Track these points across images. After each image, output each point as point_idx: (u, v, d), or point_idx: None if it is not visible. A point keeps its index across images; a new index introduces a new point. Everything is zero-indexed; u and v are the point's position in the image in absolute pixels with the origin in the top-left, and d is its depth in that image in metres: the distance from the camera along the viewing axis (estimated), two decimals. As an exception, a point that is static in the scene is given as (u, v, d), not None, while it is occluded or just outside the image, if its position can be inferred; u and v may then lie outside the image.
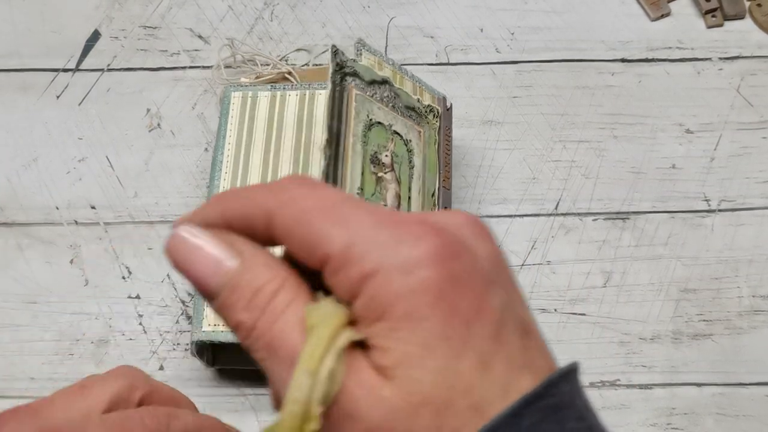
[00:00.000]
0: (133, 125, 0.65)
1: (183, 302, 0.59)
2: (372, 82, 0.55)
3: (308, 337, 0.23)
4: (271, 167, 0.57)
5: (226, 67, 0.65)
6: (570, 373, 0.23)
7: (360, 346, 0.23)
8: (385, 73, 0.56)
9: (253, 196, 0.25)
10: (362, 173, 0.53)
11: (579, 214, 0.61)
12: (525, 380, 0.22)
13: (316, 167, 0.57)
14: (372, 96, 0.55)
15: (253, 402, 0.56)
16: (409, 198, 0.55)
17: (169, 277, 0.60)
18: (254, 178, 0.57)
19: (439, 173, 0.58)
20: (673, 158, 0.63)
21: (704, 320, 0.58)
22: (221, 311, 0.25)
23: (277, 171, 0.57)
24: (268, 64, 0.65)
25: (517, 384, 0.22)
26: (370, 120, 0.54)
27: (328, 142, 0.50)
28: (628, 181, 0.62)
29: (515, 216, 0.62)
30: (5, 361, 0.58)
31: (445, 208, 0.57)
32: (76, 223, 0.62)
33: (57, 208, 0.62)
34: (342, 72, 0.53)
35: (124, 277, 0.60)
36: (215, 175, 0.58)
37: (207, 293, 0.25)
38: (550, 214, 0.62)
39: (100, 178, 0.63)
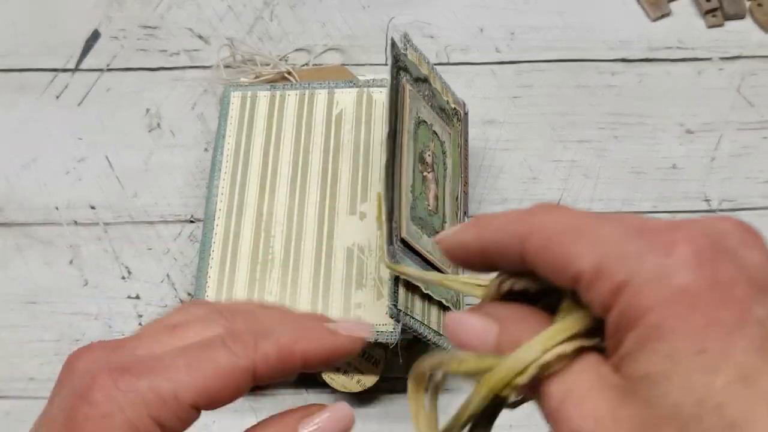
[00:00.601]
0: (132, 125, 0.65)
1: (182, 302, 0.59)
2: (417, 79, 0.54)
3: (550, 327, 0.25)
4: (270, 167, 0.57)
5: (226, 67, 0.65)
6: None
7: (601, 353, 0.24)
8: (424, 70, 0.55)
9: (505, 224, 0.27)
10: (413, 171, 0.51)
11: (579, 214, 0.61)
12: None
13: (316, 166, 0.57)
14: (418, 93, 0.54)
15: (252, 402, 0.56)
16: (444, 200, 0.55)
17: (168, 278, 0.60)
18: (254, 178, 0.57)
19: (462, 177, 0.57)
20: (673, 158, 0.63)
21: (705, 320, 0.58)
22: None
23: (276, 170, 0.57)
24: (267, 64, 0.65)
25: None
26: (419, 117, 0.53)
27: (389, 136, 0.49)
28: (629, 181, 0.62)
29: (515, 216, 0.61)
30: (5, 362, 0.57)
31: (465, 212, 0.57)
32: (76, 223, 0.62)
33: (56, 209, 0.62)
34: (397, 66, 0.52)
35: (123, 278, 0.60)
36: (215, 174, 0.58)
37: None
38: (550, 214, 0.61)
39: (99, 179, 0.63)
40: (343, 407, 0.35)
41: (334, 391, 0.53)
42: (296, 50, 0.68)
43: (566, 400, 0.24)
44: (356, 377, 0.52)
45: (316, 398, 0.55)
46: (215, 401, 0.30)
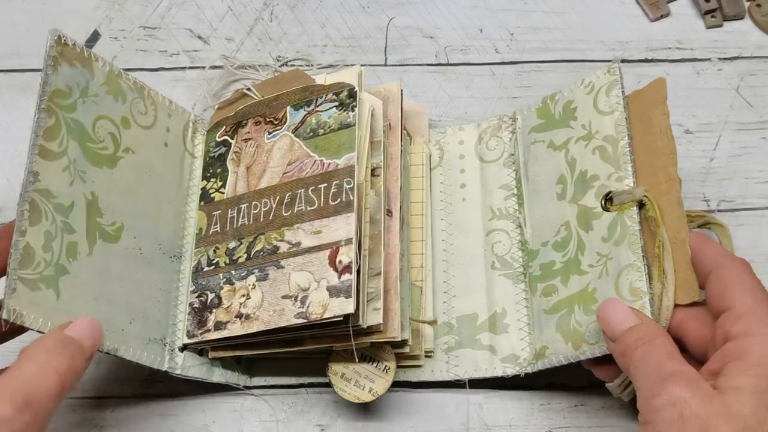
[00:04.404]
0: (132, 125, 0.65)
1: (183, 302, 0.59)
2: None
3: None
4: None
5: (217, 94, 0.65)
6: None
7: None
8: None
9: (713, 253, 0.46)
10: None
11: (578, 215, 0.61)
12: None
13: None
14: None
15: (252, 402, 0.56)
16: None
17: (168, 278, 0.60)
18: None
19: None
20: (672, 158, 0.63)
21: (704, 320, 0.58)
22: (615, 345, 0.44)
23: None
24: (266, 68, 0.65)
25: None
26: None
27: None
28: (628, 182, 0.62)
29: (515, 216, 0.61)
30: (5, 361, 0.57)
31: None
32: (76, 223, 0.62)
33: (57, 209, 0.62)
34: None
35: (123, 278, 0.60)
36: (215, 175, 0.58)
37: (612, 333, 0.44)
38: (549, 215, 0.61)
39: (99, 179, 0.63)
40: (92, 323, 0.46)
41: (334, 391, 0.53)
42: (296, 59, 0.68)
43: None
44: (368, 386, 0.52)
45: (316, 398, 0.55)
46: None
